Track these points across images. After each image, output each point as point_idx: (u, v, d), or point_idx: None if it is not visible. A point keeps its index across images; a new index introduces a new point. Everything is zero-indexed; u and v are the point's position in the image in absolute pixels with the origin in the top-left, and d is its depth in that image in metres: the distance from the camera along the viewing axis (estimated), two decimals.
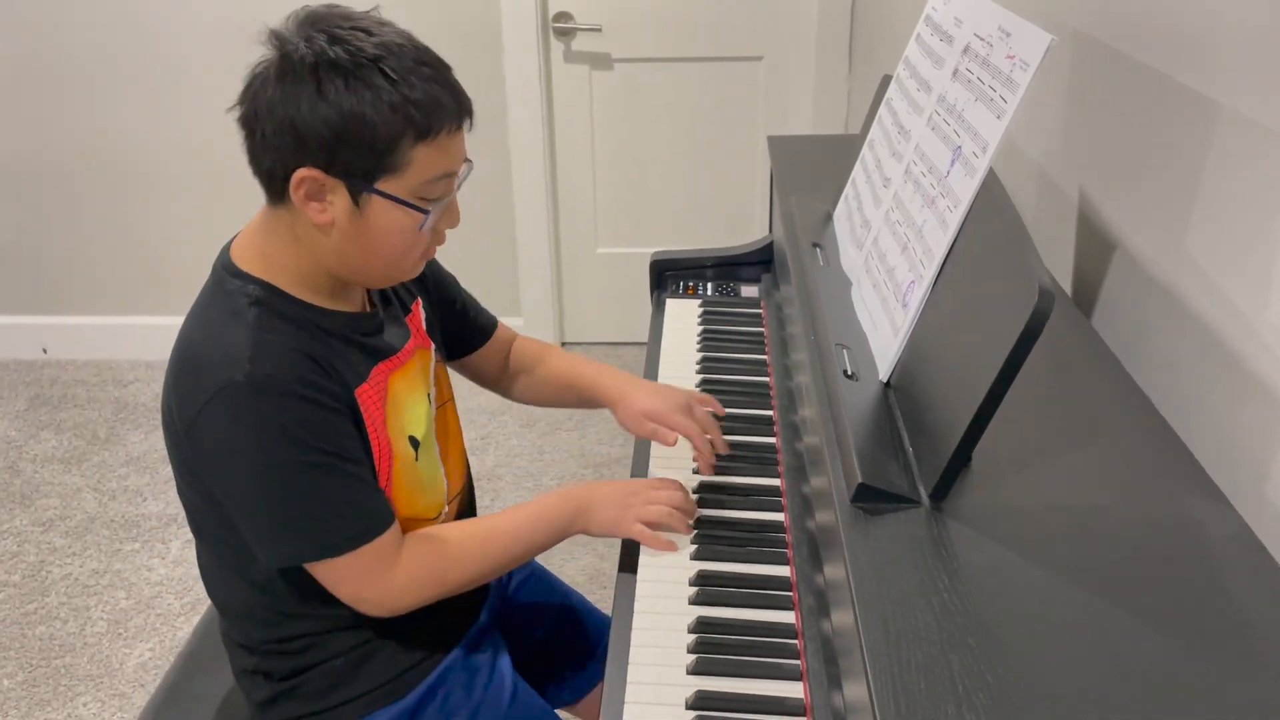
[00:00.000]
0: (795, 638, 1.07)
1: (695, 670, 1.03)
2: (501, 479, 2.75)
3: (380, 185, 1.02)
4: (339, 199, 1.02)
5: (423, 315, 1.28)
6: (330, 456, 1.04)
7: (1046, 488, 0.87)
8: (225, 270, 1.09)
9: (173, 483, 2.71)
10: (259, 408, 1.00)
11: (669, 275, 1.91)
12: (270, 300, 1.06)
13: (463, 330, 1.39)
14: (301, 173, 1.00)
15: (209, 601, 2.28)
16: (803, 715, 0.97)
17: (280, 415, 1.01)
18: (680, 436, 1.29)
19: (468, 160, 1.09)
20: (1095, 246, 1.23)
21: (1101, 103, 1.25)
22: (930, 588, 0.76)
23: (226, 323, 1.04)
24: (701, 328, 1.71)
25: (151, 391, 3.16)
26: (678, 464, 1.36)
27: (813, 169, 1.74)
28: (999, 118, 0.95)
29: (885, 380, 1.03)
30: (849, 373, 1.03)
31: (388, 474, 1.13)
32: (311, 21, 1.01)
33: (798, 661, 1.03)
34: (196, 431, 1.03)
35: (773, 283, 1.83)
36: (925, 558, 0.79)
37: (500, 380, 1.47)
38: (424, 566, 1.12)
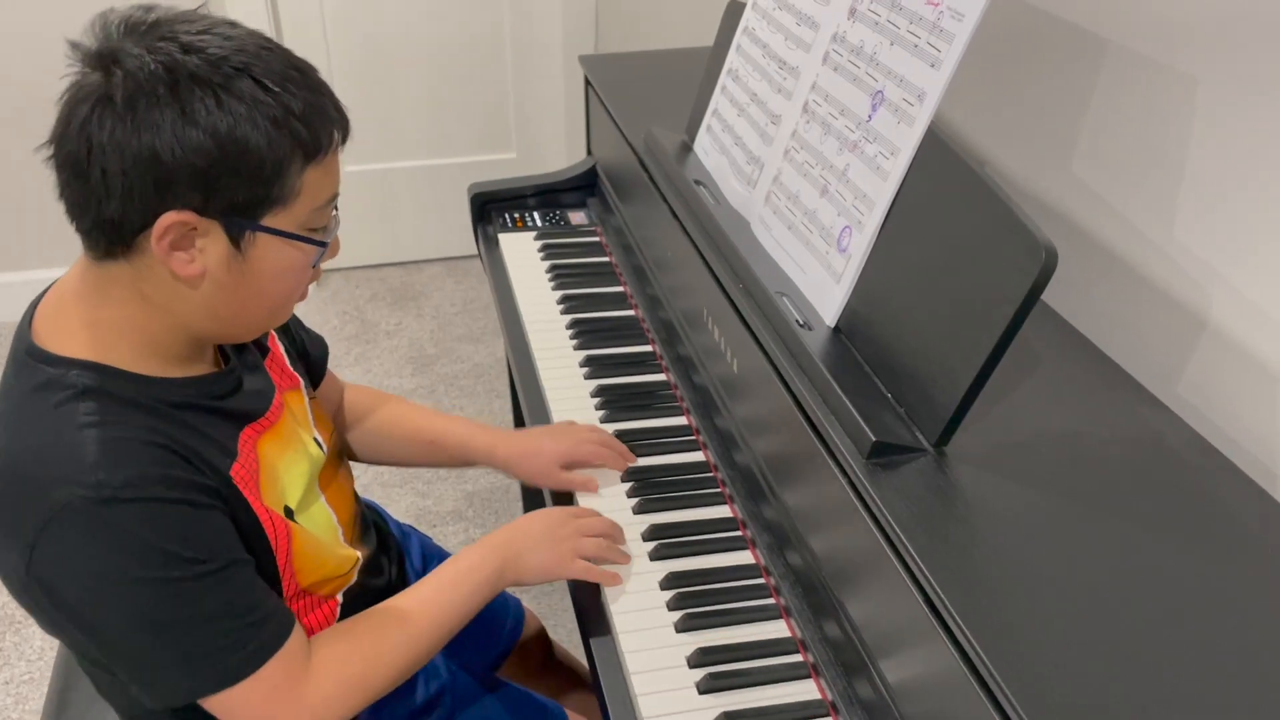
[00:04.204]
0: (761, 576, 1.11)
1: (684, 628, 1.05)
2: None
3: (267, 221, 0.86)
4: (213, 244, 0.85)
5: (282, 349, 1.11)
6: (211, 565, 0.87)
7: (1022, 420, 0.95)
8: (31, 357, 0.87)
9: None
10: (116, 524, 0.82)
11: (491, 207, 1.84)
12: (104, 385, 0.86)
13: (305, 362, 1.19)
14: (169, 218, 0.81)
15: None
16: (796, 652, 1.03)
17: (145, 529, 0.83)
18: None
19: None
20: None
21: None
22: (979, 535, 0.82)
23: (51, 425, 0.84)
24: (548, 263, 1.67)
25: None
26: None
27: (640, 91, 1.72)
28: (934, 67, 0.98)
29: (833, 326, 1.07)
30: (801, 322, 1.06)
31: (287, 551, 0.99)
32: (145, 29, 0.82)
33: (772, 600, 1.08)
34: (37, 568, 0.83)
35: (602, 208, 1.81)
36: (958, 505, 0.85)
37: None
38: (342, 672, 0.96)
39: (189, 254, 0.84)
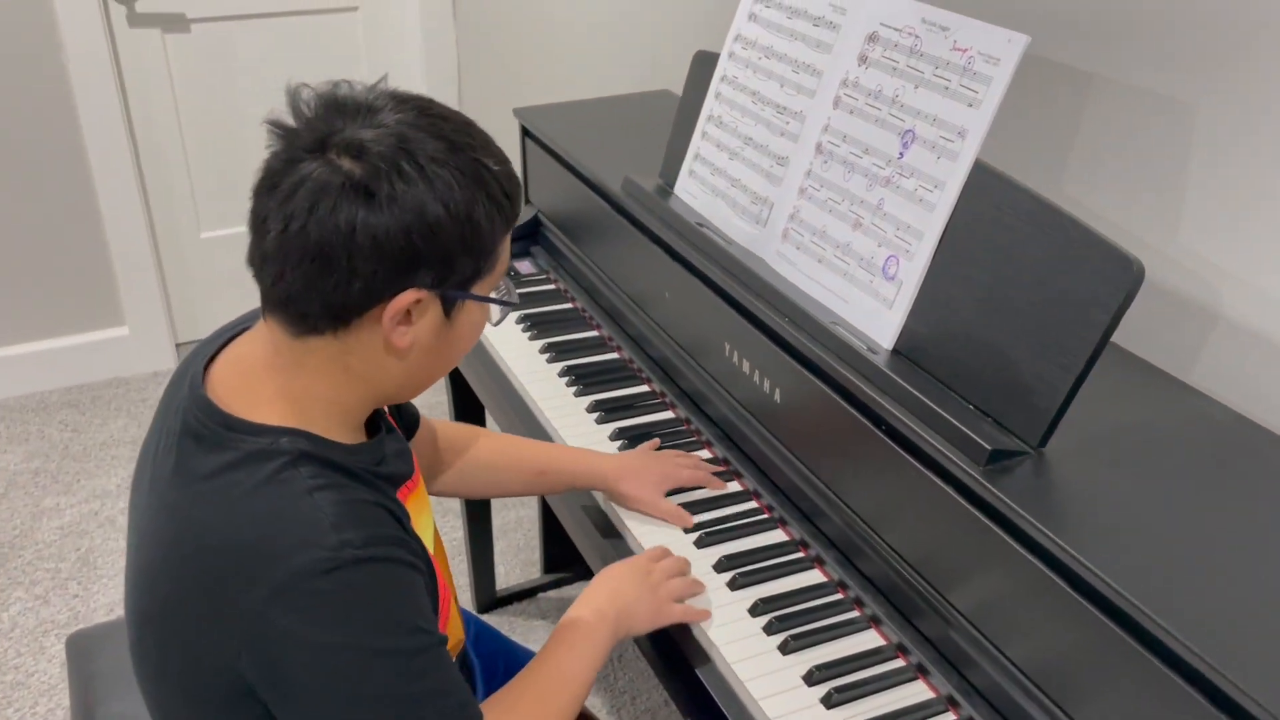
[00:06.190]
0: (838, 592, 1.17)
1: (789, 649, 1.09)
2: None
3: (476, 288, 0.88)
4: (429, 316, 0.86)
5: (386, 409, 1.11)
6: (433, 638, 0.86)
7: (1089, 417, 1.05)
8: (230, 429, 0.86)
9: None
10: (359, 587, 0.81)
11: None
12: (314, 450, 0.85)
13: (399, 419, 1.19)
14: (408, 296, 0.82)
15: None
16: (896, 658, 1.09)
17: (385, 592, 0.82)
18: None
19: None
20: None
21: None
22: (1109, 517, 0.91)
23: (275, 492, 0.82)
24: (516, 314, 1.68)
25: None
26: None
27: (582, 138, 1.75)
28: (972, 106, 1.08)
29: (891, 349, 1.14)
30: (870, 348, 1.13)
31: (447, 616, 0.98)
32: (364, 110, 0.83)
33: (857, 613, 1.14)
34: (260, 639, 0.80)
35: (550, 255, 1.83)
36: (1077, 496, 0.94)
37: (429, 470, 1.26)
38: None
39: (406, 327, 0.85)
